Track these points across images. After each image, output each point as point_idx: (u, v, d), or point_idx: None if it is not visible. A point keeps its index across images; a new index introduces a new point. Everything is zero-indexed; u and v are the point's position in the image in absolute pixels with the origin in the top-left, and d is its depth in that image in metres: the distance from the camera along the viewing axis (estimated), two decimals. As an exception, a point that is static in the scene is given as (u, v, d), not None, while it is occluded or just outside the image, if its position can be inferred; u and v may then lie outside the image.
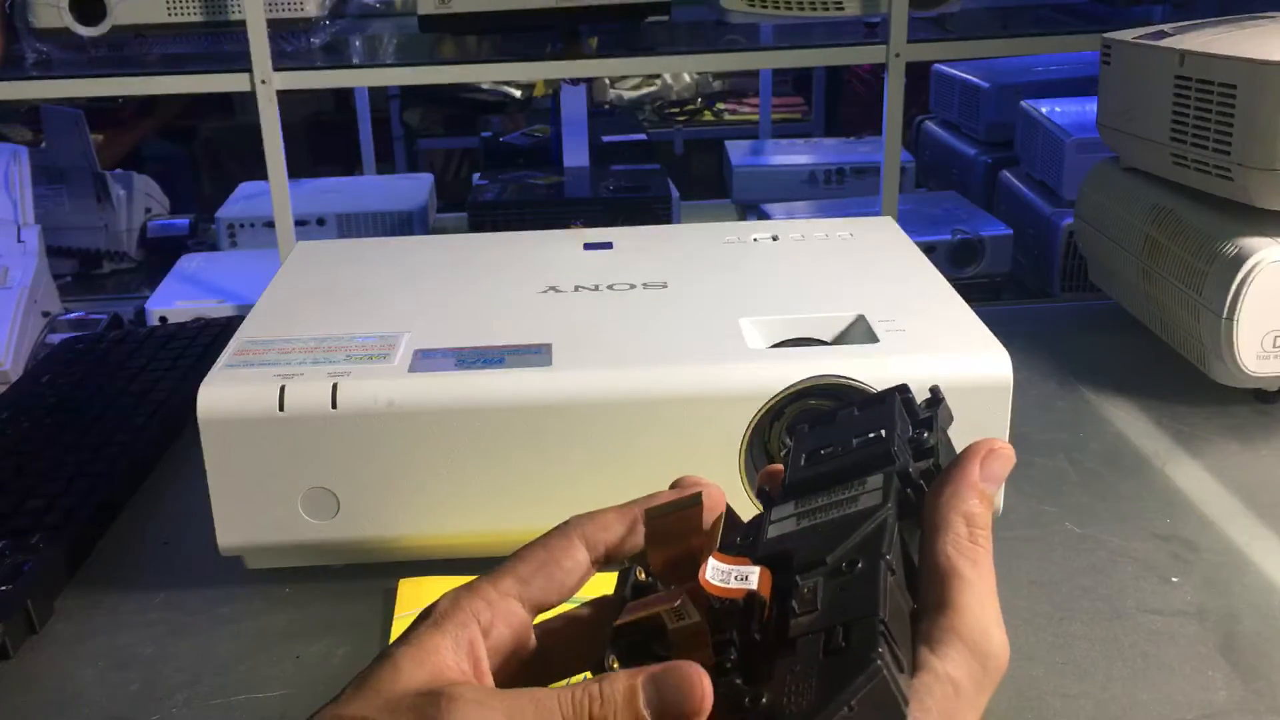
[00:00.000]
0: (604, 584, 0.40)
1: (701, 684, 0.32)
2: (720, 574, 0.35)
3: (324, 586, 0.62)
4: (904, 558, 0.36)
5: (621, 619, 0.36)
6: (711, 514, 0.38)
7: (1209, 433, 0.78)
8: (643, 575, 0.38)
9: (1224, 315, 0.76)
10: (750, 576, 0.35)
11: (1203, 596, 0.60)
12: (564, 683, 0.35)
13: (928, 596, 0.35)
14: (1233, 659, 0.55)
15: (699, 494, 0.37)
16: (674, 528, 0.37)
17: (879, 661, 0.31)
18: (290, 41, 1.95)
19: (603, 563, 0.39)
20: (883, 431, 0.39)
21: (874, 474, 0.38)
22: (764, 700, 0.32)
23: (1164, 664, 0.55)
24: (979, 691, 0.34)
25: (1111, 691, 0.53)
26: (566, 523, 0.40)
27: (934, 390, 0.42)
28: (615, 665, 0.35)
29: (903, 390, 0.42)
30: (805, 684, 0.32)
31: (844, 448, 0.40)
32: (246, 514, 0.60)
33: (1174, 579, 0.62)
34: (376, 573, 0.62)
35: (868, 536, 0.36)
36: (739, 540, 0.39)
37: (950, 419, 0.41)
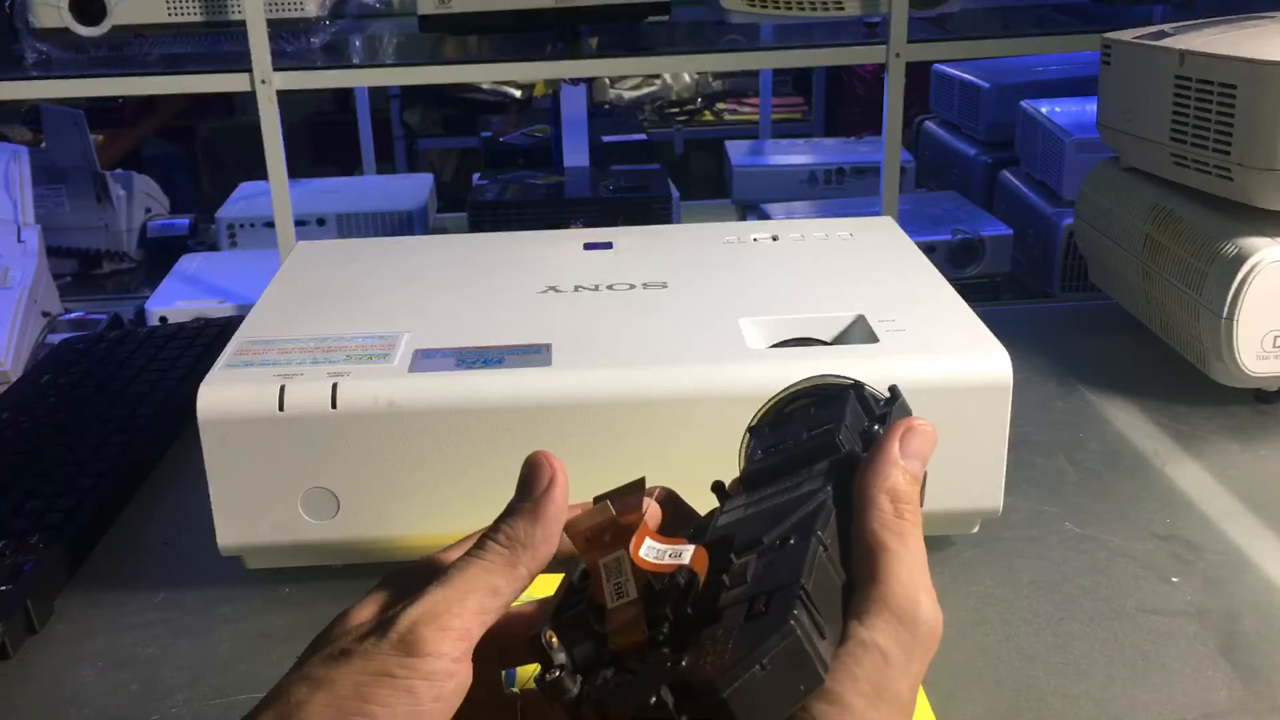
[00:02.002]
0: (547, 585, 0.40)
1: None
2: (654, 552, 0.36)
3: (324, 586, 0.62)
4: (842, 538, 0.37)
5: (560, 595, 0.38)
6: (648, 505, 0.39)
7: (1209, 433, 0.78)
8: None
9: (1224, 315, 0.76)
10: (684, 554, 0.36)
11: (1203, 596, 0.60)
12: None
13: (856, 573, 0.36)
14: (1233, 659, 0.55)
15: (641, 479, 0.38)
16: (605, 516, 0.37)
17: (793, 622, 0.32)
18: (290, 41, 1.95)
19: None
20: (830, 424, 0.40)
21: (820, 462, 0.39)
22: (683, 663, 0.33)
23: (1164, 664, 0.55)
24: (910, 659, 0.34)
25: (1111, 691, 0.53)
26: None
27: (892, 389, 0.42)
28: (553, 641, 0.35)
29: (858, 387, 0.43)
30: (723, 646, 0.32)
31: (795, 441, 0.41)
32: (246, 514, 0.60)
33: (1174, 579, 0.62)
34: (376, 573, 0.62)
35: (804, 516, 0.36)
36: (691, 532, 0.40)
37: (908, 412, 0.42)
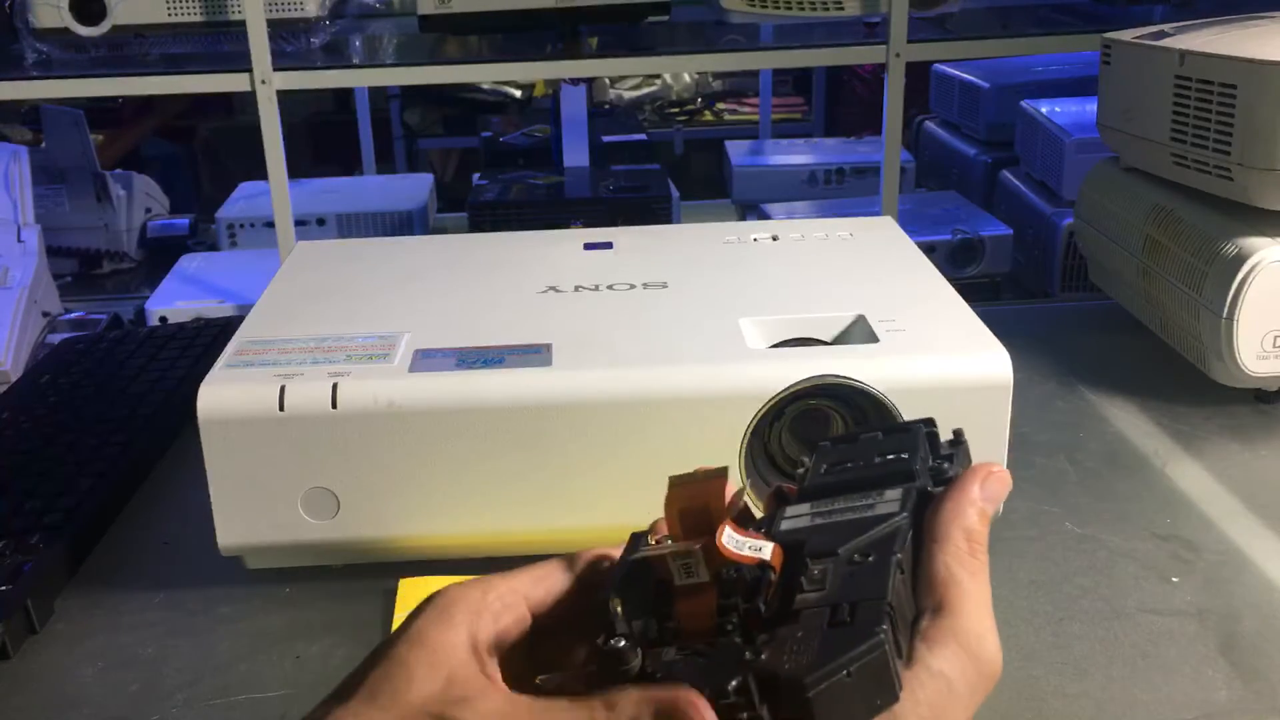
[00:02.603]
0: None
1: (703, 715, 0.32)
2: (735, 542, 0.35)
3: (324, 586, 0.62)
4: (911, 567, 0.37)
5: (634, 555, 0.36)
6: (730, 492, 0.39)
7: (1209, 433, 0.78)
8: (654, 542, 0.38)
9: (1224, 315, 0.76)
10: (764, 549, 0.36)
11: (1203, 596, 0.60)
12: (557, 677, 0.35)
13: (925, 602, 0.36)
14: (1233, 659, 0.55)
15: (725, 468, 0.38)
16: (695, 497, 0.37)
17: (881, 636, 0.32)
18: (290, 41, 1.95)
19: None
20: (905, 455, 0.41)
21: (893, 488, 0.39)
22: (762, 657, 0.33)
23: (1164, 664, 0.55)
24: (971, 692, 0.35)
25: (1111, 691, 0.53)
26: (573, 554, 0.40)
27: (957, 433, 0.43)
28: (619, 609, 0.35)
29: (928, 423, 0.43)
30: (805, 647, 0.32)
31: (865, 463, 0.41)
32: (246, 514, 0.60)
33: (1174, 579, 0.62)
34: (376, 573, 0.62)
35: (882, 536, 0.37)
36: (760, 522, 0.40)
37: (969, 462, 0.42)
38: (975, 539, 0.38)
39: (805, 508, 0.40)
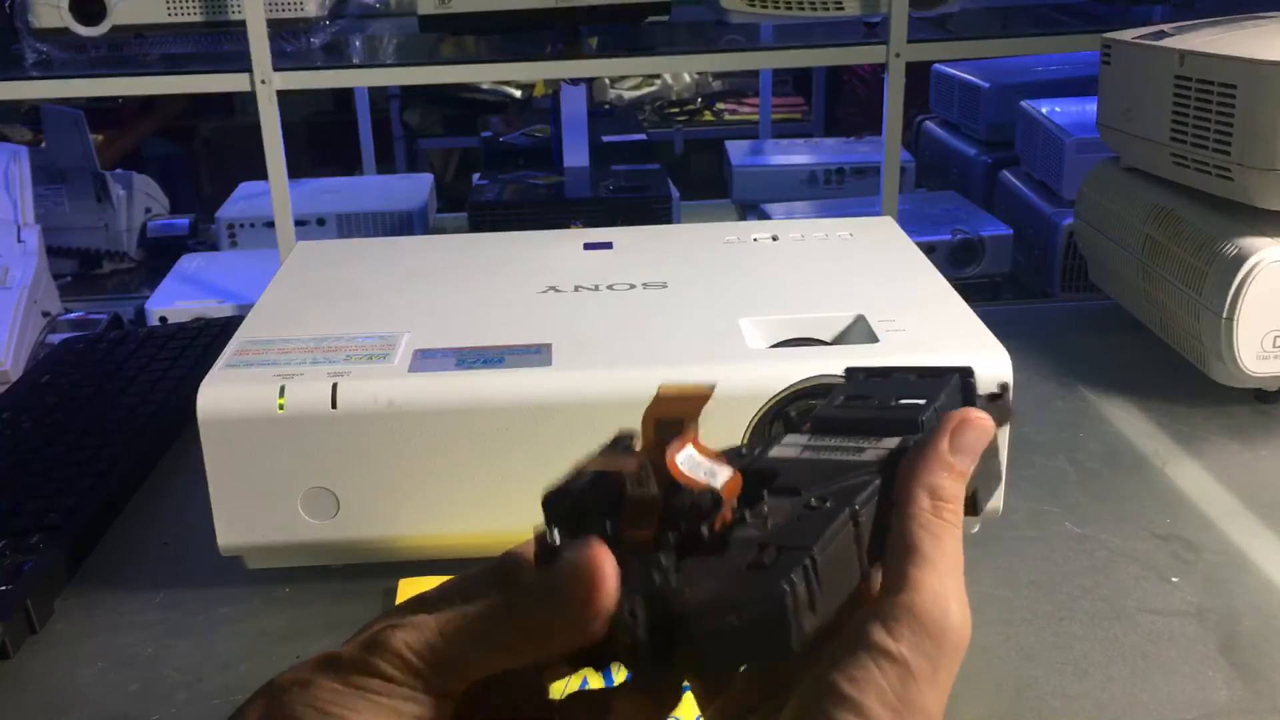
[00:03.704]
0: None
1: (603, 568, 0.32)
2: (691, 463, 0.35)
3: (324, 586, 0.62)
4: (877, 527, 0.35)
5: (584, 464, 0.36)
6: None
7: (1209, 433, 0.78)
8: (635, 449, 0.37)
9: (1224, 315, 0.76)
10: (719, 475, 0.35)
11: (1203, 596, 0.60)
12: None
13: (887, 569, 0.35)
14: (1233, 659, 0.55)
15: (713, 385, 0.37)
16: (673, 408, 0.36)
17: (786, 588, 0.31)
18: (290, 41, 1.95)
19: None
20: (923, 401, 0.38)
21: (893, 437, 0.37)
22: (670, 581, 0.32)
23: (1164, 664, 0.55)
24: (936, 670, 0.33)
25: (1111, 691, 0.53)
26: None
27: (1002, 386, 0.40)
28: (556, 538, 0.34)
29: (966, 372, 0.40)
30: (715, 582, 0.32)
31: (880, 404, 0.40)
32: (246, 514, 0.60)
33: (1174, 579, 0.62)
34: (376, 573, 0.62)
35: (850, 486, 0.35)
36: (743, 450, 0.39)
37: (1008, 416, 0.39)
38: (942, 496, 0.35)
39: (803, 438, 0.39)
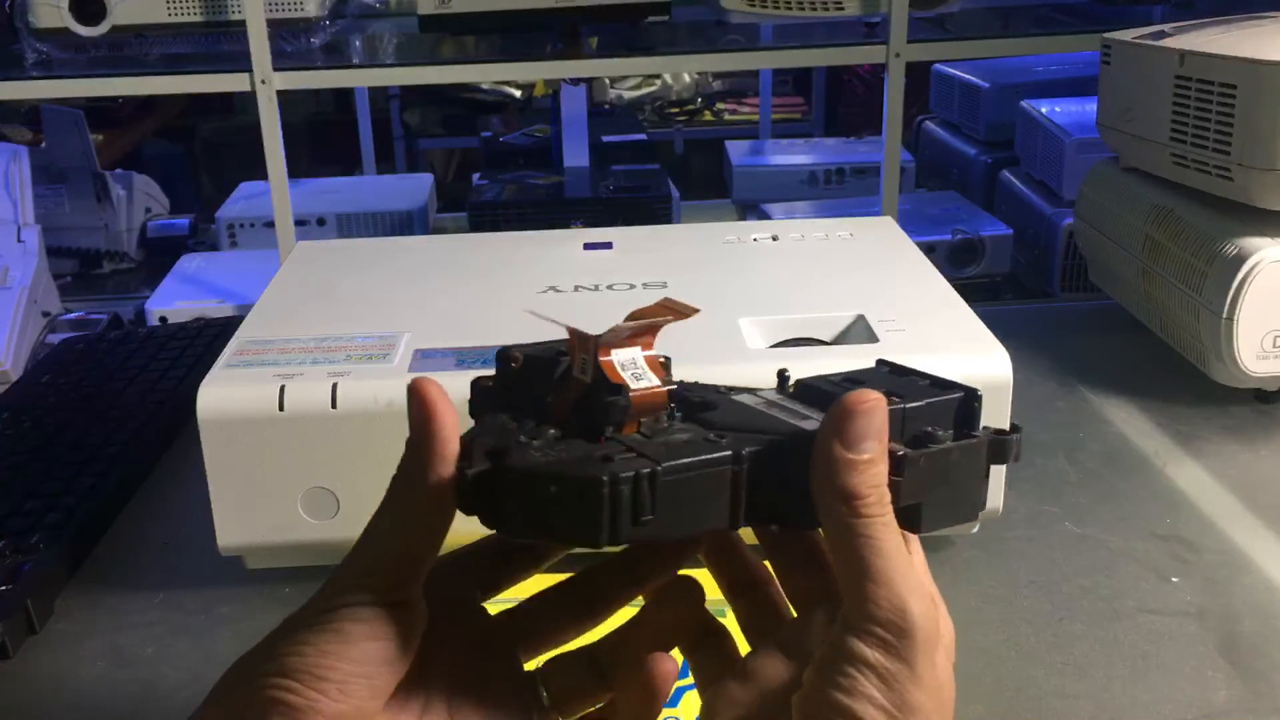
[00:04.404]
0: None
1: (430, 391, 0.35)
2: (625, 361, 0.37)
3: (324, 586, 0.62)
4: (792, 480, 0.35)
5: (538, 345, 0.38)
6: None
7: (1209, 433, 0.78)
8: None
9: (1224, 315, 0.76)
10: (642, 380, 0.36)
11: (1203, 596, 0.60)
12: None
13: (841, 583, 0.35)
14: (1233, 659, 0.55)
15: (696, 309, 0.38)
16: (650, 312, 0.38)
17: (605, 480, 0.32)
18: (290, 41, 1.95)
19: None
20: (903, 402, 0.38)
21: None
22: (529, 444, 0.34)
23: (1164, 664, 0.55)
24: (914, 666, 0.33)
25: (1111, 691, 0.53)
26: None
27: (1014, 426, 0.39)
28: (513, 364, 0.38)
29: (972, 394, 0.39)
30: (559, 455, 0.34)
31: (859, 383, 0.40)
32: (246, 514, 0.60)
33: (1174, 579, 0.62)
34: (376, 573, 0.62)
35: (753, 437, 0.35)
36: (720, 389, 0.40)
37: (1013, 457, 0.38)
38: (856, 494, 0.34)
39: (776, 396, 0.40)
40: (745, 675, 0.36)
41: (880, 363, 0.43)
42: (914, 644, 0.33)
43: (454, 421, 0.35)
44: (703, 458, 0.34)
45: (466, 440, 0.35)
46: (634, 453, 0.34)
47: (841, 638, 0.34)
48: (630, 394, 0.35)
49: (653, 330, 0.37)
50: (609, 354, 0.36)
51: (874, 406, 0.34)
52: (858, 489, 0.34)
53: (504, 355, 0.39)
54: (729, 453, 0.34)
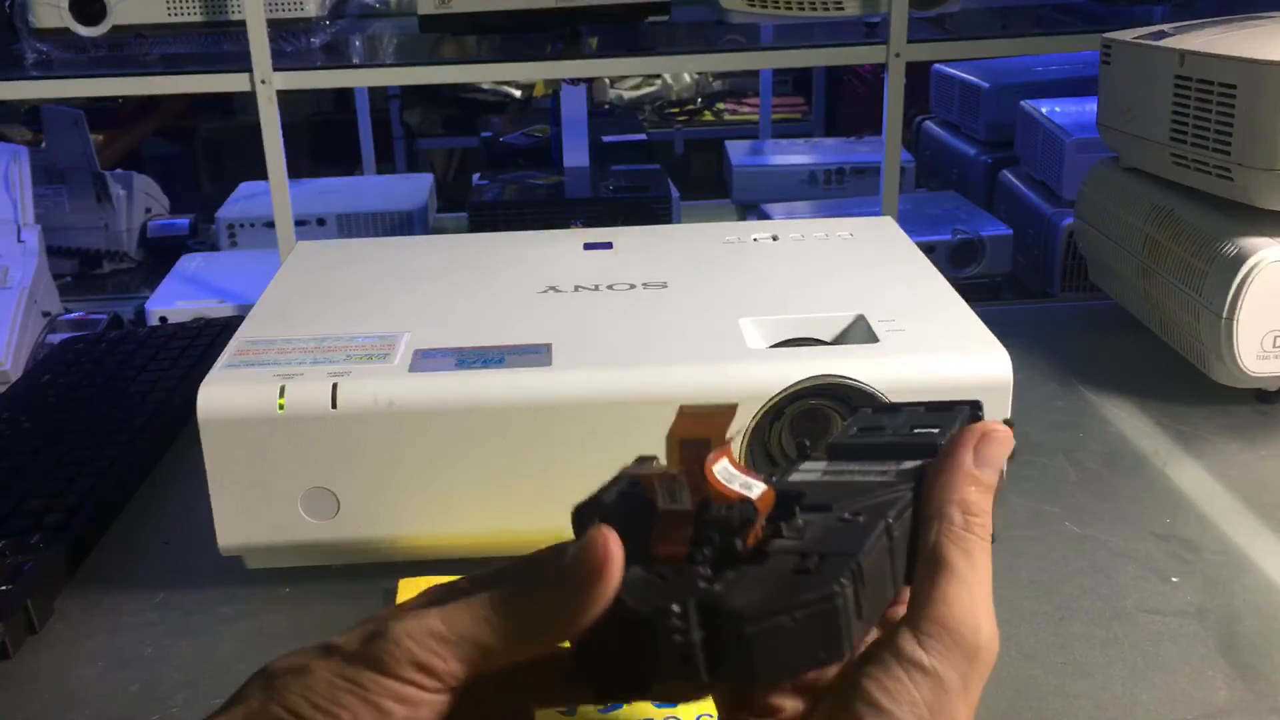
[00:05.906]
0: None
1: (608, 542, 0.32)
2: (726, 474, 0.35)
3: (324, 586, 0.62)
4: (909, 542, 0.36)
5: (624, 473, 0.36)
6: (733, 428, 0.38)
7: (1209, 433, 0.78)
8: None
9: (1224, 315, 0.76)
10: (754, 488, 0.35)
11: (1203, 596, 0.60)
12: None
13: (917, 586, 0.35)
14: (1233, 659, 0.55)
15: (734, 405, 0.37)
16: (698, 428, 0.36)
17: (837, 588, 0.31)
18: (290, 41, 1.95)
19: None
20: (935, 429, 0.39)
21: (914, 461, 0.38)
22: (717, 587, 0.32)
23: (1164, 664, 0.55)
24: (966, 685, 0.34)
25: (1111, 691, 0.53)
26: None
27: (1008, 422, 0.41)
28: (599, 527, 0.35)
29: (975, 406, 0.41)
30: (761, 588, 0.32)
31: (895, 432, 0.41)
32: (246, 514, 0.60)
33: (1174, 579, 0.61)
34: (376, 573, 0.62)
35: (881, 502, 0.36)
36: (769, 477, 0.39)
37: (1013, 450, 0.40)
38: (972, 511, 0.35)
39: (822, 464, 0.40)
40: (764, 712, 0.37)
41: (859, 409, 0.44)
42: (976, 661, 0.34)
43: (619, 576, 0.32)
44: (871, 537, 0.34)
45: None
46: (818, 556, 0.33)
47: (897, 639, 0.34)
48: (755, 503, 0.34)
49: (723, 442, 0.36)
50: (712, 473, 0.35)
51: (1007, 437, 0.37)
52: (976, 505, 0.35)
53: (585, 511, 0.36)
54: (881, 524, 0.34)
